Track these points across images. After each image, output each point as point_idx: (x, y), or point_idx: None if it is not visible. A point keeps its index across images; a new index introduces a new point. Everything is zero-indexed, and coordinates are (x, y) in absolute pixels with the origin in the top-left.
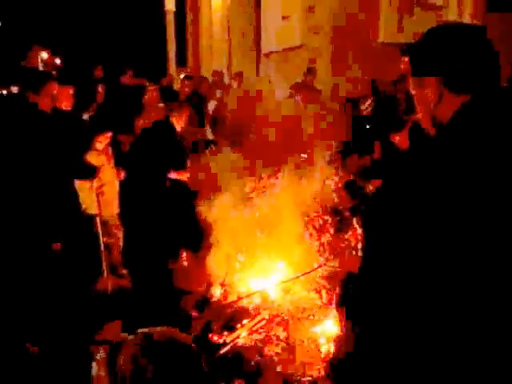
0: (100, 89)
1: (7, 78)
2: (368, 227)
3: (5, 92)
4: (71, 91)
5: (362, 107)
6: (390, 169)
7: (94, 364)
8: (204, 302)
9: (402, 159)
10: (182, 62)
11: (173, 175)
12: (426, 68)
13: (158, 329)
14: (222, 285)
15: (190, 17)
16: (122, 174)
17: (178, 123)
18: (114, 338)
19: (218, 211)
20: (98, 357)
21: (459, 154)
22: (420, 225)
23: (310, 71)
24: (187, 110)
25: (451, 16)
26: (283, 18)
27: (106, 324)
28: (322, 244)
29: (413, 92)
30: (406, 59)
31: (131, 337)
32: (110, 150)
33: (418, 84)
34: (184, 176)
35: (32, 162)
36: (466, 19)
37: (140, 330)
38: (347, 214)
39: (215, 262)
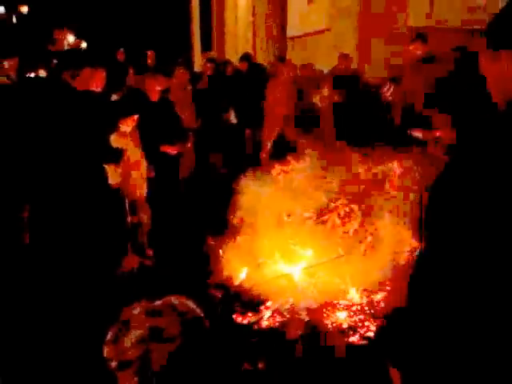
0: (130, 71)
1: (35, 60)
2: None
3: (33, 75)
4: (104, 74)
5: (384, 91)
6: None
7: (127, 343)
8: (228, 284)
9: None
10: (206, 46)
11: (166, 148)
12: (505, 41)
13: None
14: (247, 267)
15: (215, 1)
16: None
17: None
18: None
19: (245, 193)
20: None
21: None
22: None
23: (344, 57)
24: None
25: (481, 0)
26: (309, 1)
27: (129, 303)
28: (346, 232)
29: (484, 66)
30: (416, 44)
31: (134, 312)
32: (137, 132)
33: (493, 58)
34: (174, 150)
35: (65, 141)
36: (497, 4)
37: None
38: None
39: (240, 244)
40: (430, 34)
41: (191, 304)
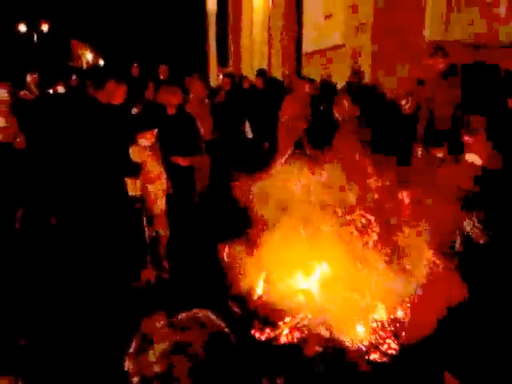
0: (151, 85)
1: (55, 76)
2: None
3: (51, 91)
4: (125, 88)
5: (403, 103)
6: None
7: (151, 358)
8: (246, 298)
9: None
10: (222, 62)
11: (177, 160)
12: None
13: (185, 314)
14: (265, 282)
15: (231, 17)
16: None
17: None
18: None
19: (262, 209)
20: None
21: None
22: None
23: (357, 72)
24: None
25: (501, 13)
26: (326, 17)
27: (146, 315)
28: (365, 244)
29: None
30: (437, 58)
31: (158, 325)
32: (157, 146)
33: None
34: (185, 162)
35: (86, 153)
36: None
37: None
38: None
39: (259, 257)
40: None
41: (216, 318)
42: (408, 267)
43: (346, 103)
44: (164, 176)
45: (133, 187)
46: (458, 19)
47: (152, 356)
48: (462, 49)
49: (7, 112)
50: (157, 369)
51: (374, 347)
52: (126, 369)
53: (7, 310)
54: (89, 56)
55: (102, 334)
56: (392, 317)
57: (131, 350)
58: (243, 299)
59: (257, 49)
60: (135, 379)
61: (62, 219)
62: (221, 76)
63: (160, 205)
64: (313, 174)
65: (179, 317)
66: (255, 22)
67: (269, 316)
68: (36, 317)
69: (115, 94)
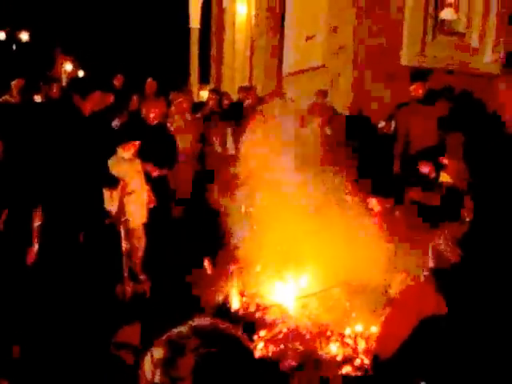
0: (135, 97)
1: (32, 86)
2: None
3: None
4: (111, 99)
5: (380, 125)
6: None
7: (147, 364)
8: (222, 311)
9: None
10: (203, 79)
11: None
12: None
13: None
14: (242, 294)
15: (213, 34)
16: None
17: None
18: (132, 340)
19: (243, 221)
20: (154, 356)
21: None
22: None
23: (322, 93)
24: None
25: (473, 41)
26: (307, 38)
27: (125, 327)
28: (343, 259)
29: (502, 90)
30: (417, 85)
31: (185, 334)
32: (137, 159)
33: (509, 82)
34: (156, 172)
35: (66, 161)
36: (489, 45)
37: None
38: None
39: (237, 271)
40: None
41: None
42: (382, 282)
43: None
44: (144, 189)
45: (110, 199)
46: (433, 46)
47: (183, 368)
48: (436, 74)
49: None
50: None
51: (347, 361)
52: (151, 381)
53: None
54: (68, 66)
55: (77, 344)
56: (366, 332)
57: (158, 358)
58: (219, 312)
59: (239, 67)
60: None
61: (38, 228)
62: (205, 92)
63: (139, 217)
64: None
65: (204, 323)
66: (237, 40)
67: (244, 329)
68: (10, 327)
69: (99, 103)
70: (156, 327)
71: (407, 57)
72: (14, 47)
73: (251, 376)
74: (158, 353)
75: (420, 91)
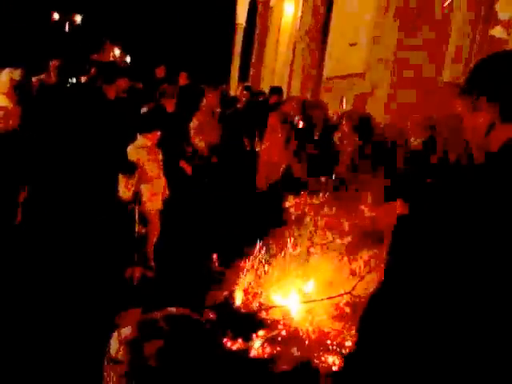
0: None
1: (81, 69)
2: (396, 247)
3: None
4: (140, 86)
5: (412, 139)
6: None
7: (114, 342)
8: (224, 306)
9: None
10: (243, 77)
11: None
12: (482, 90)
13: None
14: (245, 293)
15: (257, 34)
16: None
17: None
18: (131, 323)
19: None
20: (121, 335)
21: (505, 185)
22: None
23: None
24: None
25: None
26: (350, 45)
27: (127, 310)
28: (352, 269)
29: (464, 117)
30: (462, 100)
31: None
32: (156, 148)
33: (471, 108)
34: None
35: (85, 146)
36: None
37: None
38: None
39: (245, 269)
40: None
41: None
42: None
43: (346, 130)
44: (161, 177)
45: (125, 185)
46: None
47: (148, 349)
48: None
49: (13, 99)
50: (152, 362)
51: None
52: (116, 357)
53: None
54: (116, 51)
55: (82, 326)
56: None
57: (126, 339)
58: (220, 307)
59: (279, 69)
60: (125, 367)
61: (52, 211)
62: (240, 88)
63: (154, 205)
64: (310, 197)
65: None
66: (281, 42)
67: (244, 327)
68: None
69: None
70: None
71: (450, 73)
72: (67, 28)
73: (215, 366)
74: (126, 332)
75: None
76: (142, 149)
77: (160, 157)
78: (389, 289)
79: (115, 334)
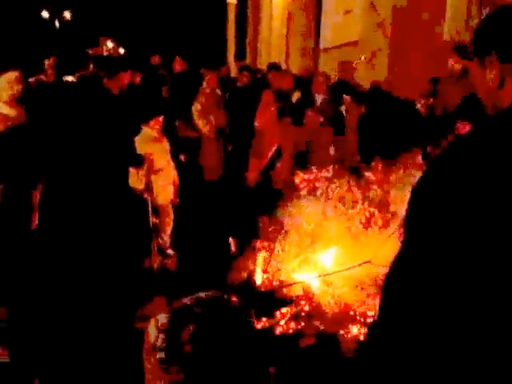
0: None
1: (74, 63)
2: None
3: (70, 79)
4: (139, 78)
5: (418, 106)
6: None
7: (152, 329)
8: (246, 287)
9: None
10: (240, 55)
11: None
12: (489, 46)
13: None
14: (265, 272)
15: (250, 10)
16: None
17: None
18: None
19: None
20: (159, 322)
21: None
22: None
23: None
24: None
25: None
26: (345, 12)
27: (151, 300)
28: (368, 238)
29: (474, 74)
30: (455, 58)
31: (185, 302)
32: (164, 136)
33: (480, 65)
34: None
35: (93, 141)
36: None
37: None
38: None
39: (261, 249)
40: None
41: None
42: None
43: (348, 101)
44: (171, 167)
45: (135, 178)
46: (479, 20)
47: (184, 334)
48: None
49: (14, 100)
50: (188, 348)
51: None
52: (154, 343)
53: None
54: (109, 44)
55: (104, 315)
56: None
57: (163, 326)
58: (242, 288)
59: (275, 43)
60: (161, 354)
61: (65, 206)
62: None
63: (166, 195)
64: (319, 170)
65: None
66: (274, 16)
67: (267, 305)
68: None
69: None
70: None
71: (450, 31)
72: (58, 25)
73: (246, 345)
74: (162, 319)
75: (457, 66)
76: (148, 140)
77: (167, 147)
78: (411, 254)
79: (152, 322)
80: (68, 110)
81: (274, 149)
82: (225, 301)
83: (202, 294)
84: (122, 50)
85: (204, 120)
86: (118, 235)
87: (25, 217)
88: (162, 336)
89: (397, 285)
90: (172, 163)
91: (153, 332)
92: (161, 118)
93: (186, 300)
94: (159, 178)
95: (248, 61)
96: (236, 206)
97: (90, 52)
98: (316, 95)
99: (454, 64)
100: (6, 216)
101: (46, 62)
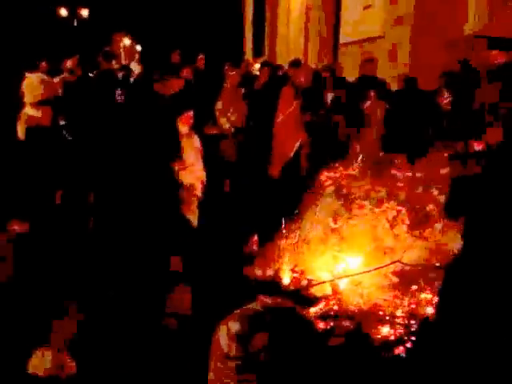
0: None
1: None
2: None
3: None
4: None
5: (440, 100)
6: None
7: (223, 338)
8: (272, 287)
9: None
10: (257, 51)
11: None
12: None
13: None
14: (293, 271)
15: (268, 5)
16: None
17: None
18: (183, 310)
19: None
20: (230, 330)
21: None
22: None
23: (369, 61)
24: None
25: None
26: (364, 7)
27: (176, 297)
28: (395, 237)
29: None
30: (496, 52)
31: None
32: (194, 133)
33: None
34: None
35: (132, 138)
36: None
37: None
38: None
39: (287, 247)
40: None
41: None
42: (437, 264)
43: (372, 96)
44: (200, 164)
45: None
46: (503, 13)
47: (258, 342)
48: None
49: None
50: (261, 356)
51: (400, 343)
52: (227, 353)
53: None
54: (126, 41)
55: (131, 314)
56: (419, 313)
57: (236, 334)
58: (270, 288)
59: (293, 38)
60: (236, 362)
61: (115, 206)
62: (257, 65)
63: (194, 194)
64: (344, 168)
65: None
66: (292, 11)
67: (294, 305)
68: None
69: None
70: (206, 298)
71: (473, 25)
72: (75, 23)
73: (315, 350)
74: (234, 327)
75: (498, 60)
76: (180, 136)
77: (197, 144)
78: (469, 257)
79: (223, 330)
80: (102, 104)
81: (297, 144)
82: (291, 308)
83: (268, 300)
84: (138, 47)
85: (226, 117)
86: (146, 230)
87: (83, 219)
88: (235, 345)
89: (453, 289)
90: (200, 160)
91: (225, 340)
92: (191, 113)
93: (253, 306)
94: (185, 174)
95: (266, 55)
96: (260, 202)
97: (108, 49)
98: (327, 94)
99: (496, 58)
100: (67, 219)
101: (69, 62)
